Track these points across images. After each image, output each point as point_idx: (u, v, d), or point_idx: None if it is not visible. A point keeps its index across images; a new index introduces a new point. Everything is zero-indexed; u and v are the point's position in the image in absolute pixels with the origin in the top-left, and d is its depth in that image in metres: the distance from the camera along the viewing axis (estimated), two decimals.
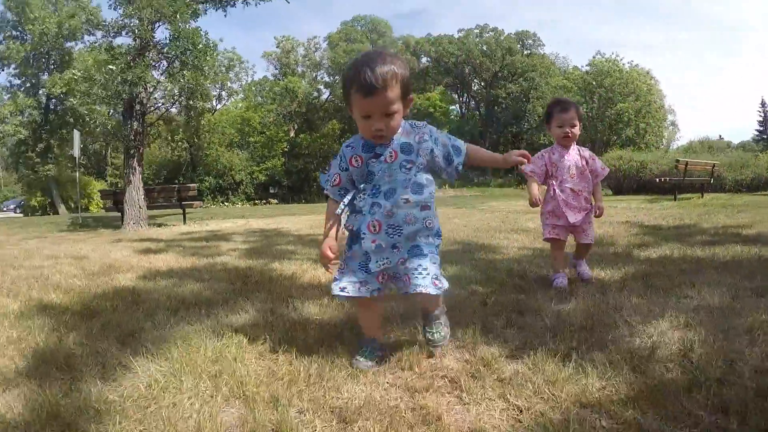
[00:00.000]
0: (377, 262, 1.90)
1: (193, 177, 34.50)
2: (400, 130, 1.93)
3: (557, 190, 3.17)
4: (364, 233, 1.91)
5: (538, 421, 1.39)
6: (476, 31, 51.53)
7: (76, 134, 14.60)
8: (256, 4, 12.21)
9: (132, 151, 10.62)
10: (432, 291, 1.86)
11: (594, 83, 43.80)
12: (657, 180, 13.80)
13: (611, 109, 42.52)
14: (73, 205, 30.27)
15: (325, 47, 48.37)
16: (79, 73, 11.91)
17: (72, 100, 25.08)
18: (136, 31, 10.57)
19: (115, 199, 11.57)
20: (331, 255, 1.92)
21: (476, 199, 24.58)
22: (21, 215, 32.19)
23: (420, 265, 1.88)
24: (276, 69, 48.28)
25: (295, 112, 43.73)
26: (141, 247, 6.29)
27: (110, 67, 10.09)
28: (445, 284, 1.93)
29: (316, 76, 49.22)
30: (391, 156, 1.91)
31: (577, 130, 3.20)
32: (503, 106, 50.37)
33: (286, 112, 43.15)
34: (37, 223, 15.99)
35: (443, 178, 2.08)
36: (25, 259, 5.54)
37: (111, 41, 11.09)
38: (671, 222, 6.65)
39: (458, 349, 2.03)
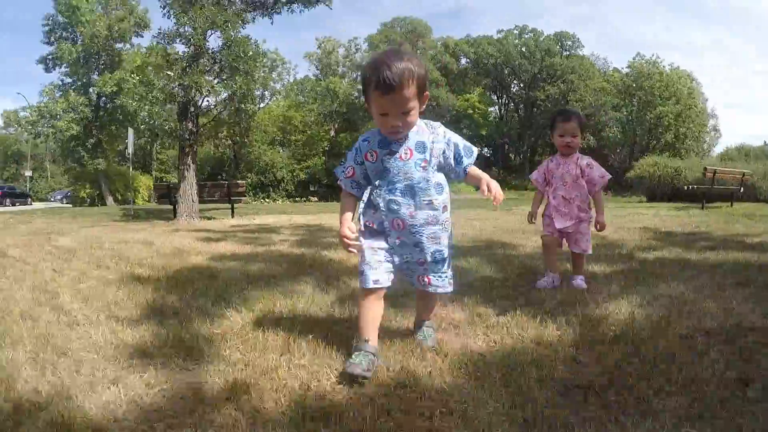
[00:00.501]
0: (402, 257, 2.05)
1: (235, 173, 35.78)
2: (415, 129, 1.99)
3: (550, 197, 3.38)
4: (388, 231, 2.03)
5: (506, 348, 2.10)
6: (515, 32, 51.48)
7: (131, 132, 15.68)
8: (300, 12, 13.10)
9: (186, 150, 11.61)
10: (447, 289, 2.12)
11: (633, 86, 43.37)
12: (685, 188, 13.97)
13: (651, 113, 42.12)
14: (120, 197, 31.82)
15: (365, 48, 49.17)
16: (137, 78, 12.88)
17: (123, 98, 26.60)
18: (191, 39, 11.50)
19: (169, 192, 12.58)
20: (351, 234, 1.96)
21: (512, 201, 24.86)
22: (69, 205, 34.06)
23: (440, 269, 2.07)
24: (317, 69, 49.36)
25: (336, 111, 44.67)
26: (200, 236, 7.12)
27: (168, 72, 11.04)
28: (452, 286, 2.15)
29: (356, 77, 50.07)
30: (406, 154, 1.98)
31: (577, 140, 3.33)
32: (542, 108, 50.18)
33: (327, 112, 44.11)
34: (90, 213, 17.32)
35: (452, 178, 2.12)
36: (99, 243, 6.34)
37: (166, 47, 12.05)
38: (685, 229, 6.93)
39: (464, 308, 2.70)
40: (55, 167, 63.58)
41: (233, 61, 11.41)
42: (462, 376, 1.80)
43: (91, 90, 29.65)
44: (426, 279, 2.07)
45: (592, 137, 46.04)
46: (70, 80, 29.85)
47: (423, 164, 1.97)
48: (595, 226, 3.27)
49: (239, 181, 13.17)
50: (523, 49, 50.17)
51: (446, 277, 2.09)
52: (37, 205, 42.28)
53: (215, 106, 12.59)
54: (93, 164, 30.00)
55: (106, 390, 1.73)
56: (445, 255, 2.06)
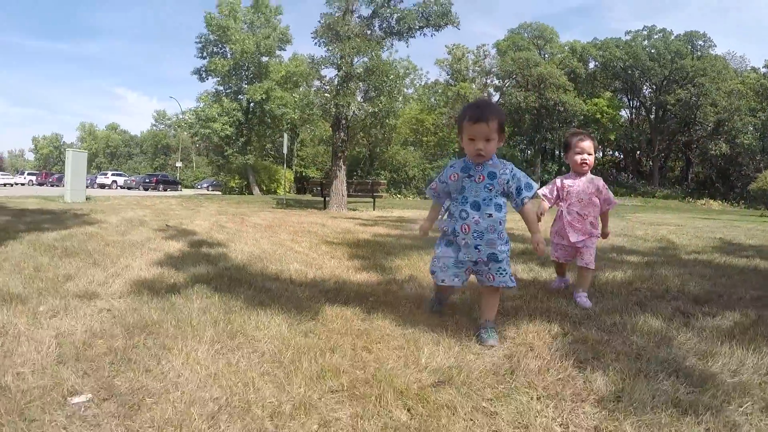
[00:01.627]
0: (465, 255, 2.54)
1: (370, 170, 38.84)
2: (491, 162, 2.54)
3: (564, 212, 3.46)
4: (457, 233, 2.55)
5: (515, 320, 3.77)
6: (644, 33, 49.74)
7: (285, 137, 18.74)
8: (431, 35, 15.32)
9: (339, 154, 14.37)
10: (510, 284, 2.53)
11: None
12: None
13: None
14: (264, 188, 36.15)
15: (493, 54, 50.35)
16: (298, 97, 15.81)
17: (270, 105, 31.06)
18: (342, 66, 14.12)
19: (321, 187, 15.46)
20: (425, 230, 2.81)
21: (632, 209, 24.79)
22: (216, 192, 39.28)
23: (501, 267, 2.51)
24: (447, 75, 51.44)
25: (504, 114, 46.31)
26: (356, 222, 9.56)
27: (326, 94, 13.78)
28: (514, 282, 2.57)
29: (485, 82, 51.55)
30: (479, 178, 2.53)
31: (592, 159, 3.45)
32: (672, 113, 48.21)
33: (458, 116, 45.91)
34: (247, 201, 20.68)
35: (513, 206, 2.58)
36: (285, 223, 8.72)
37: (319, 70, 14.89)
38: (755, 242, 7.68)
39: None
40: (199, 159, 71.15)
41: (378, 84, 13.93)
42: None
43: (240, 97, 33.89)
44: (491, 276, 2.53)
45: (724, 144, 43.71)
46: (221, 88, 34.22)
47: (490, 188, 2.53)
48: (602, 236, 3.56)
49: (380, 180, 15.80)
50: (652, 51, 48.15)
51: (507, 274, 2.54)
52: (185, 191, 47.73)
53: (363, 119, 15.12)
54: (243, 159, 34.35)
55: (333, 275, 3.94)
56: (500, 258, 2.51)
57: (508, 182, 2.51)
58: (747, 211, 22.48)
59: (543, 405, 1.76)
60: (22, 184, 50.03)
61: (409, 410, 1.70)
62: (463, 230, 2.52)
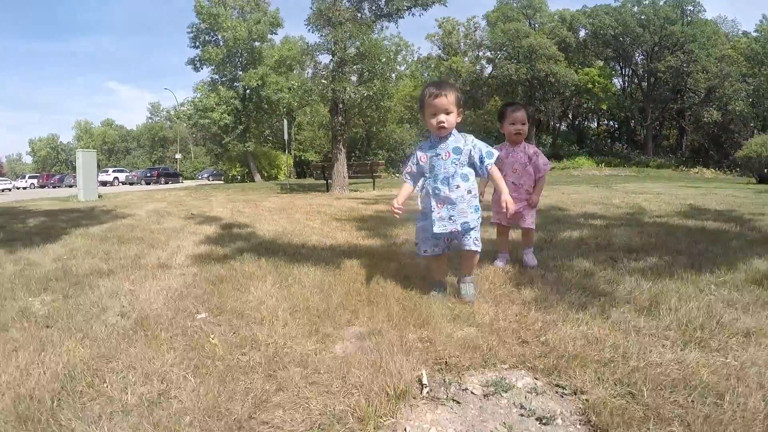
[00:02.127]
0: (440, 227, 2.82)
1: (368, 150, 39.75)
2: (453, 137, 2.84)
3: None
4: (432, 209, 2.83)
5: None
6: None
7: (286, 123, 19.59)
8: (420, 15, 16.10)
9: (338, 138, 15.32)
10: (473, 247, 2.86)
11: (761, 52, 40.36)
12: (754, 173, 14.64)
13: None
14: (266, 174, 37.04)
15: (484, 26, 50.76)
16: (296, 84, 16.70)
17: (266, 90, 31.89)
18: (336, 52, 14.97)
19: (323, 170, 16.43)
20: (396, 205, 2.86)
21: (623, 179, 24.53)
22: (218, 182, 40.17)
23: (469, 234, 2.85)
24: (439, 49, 51.97)
25: (460, 89, 47.08)
26: (358, 202, 10.54)
27: (323, 81, 14.67)
28: (480, 246, 2.89)
29: (477, 54, 52.12)
30: (446, 155, 2.82)
31: (526, 128, 3.68)
32: (662, 80, 48.13)
33: (419, 96, 46.63)
34: (252, 188, 21.61)
35: (478, 174, 2.88)
36: (295, 206, 9.73)
37: (314, 57, 15.78)
38: (722, 207, 7.93)
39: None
40: (197, 149, 72.12)
41: (371, 68, 14.80)
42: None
43: (236, 84, 34.33)
44: (463, 242, 2.88)
45: (715, 112, 43.70)
46: (217, 77, 34.69)
47: (456, 162, 2.82)
48: (529, 202, 3.75)
49: (379, 161, 16.80)
50: (642, 17, 47.67)
51: (474, 239, 2.87)
52: (187, 182, 48.58)
53: (359, 102, 15.96)
54: (244, 147, 35.11)
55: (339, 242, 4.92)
56: (471, 226, 2.84)
57: (470, 153, 2.84)
58: (739, 179, 22.87)
59: (489, 306, 2.77)
60: (24, 188, 50.22)
61: (402, 306, 2.75)
62: (439, 204, 2.84)
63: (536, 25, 49.09)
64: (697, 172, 37.30)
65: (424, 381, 1.90)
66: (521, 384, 1.92)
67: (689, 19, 47.68)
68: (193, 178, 62.02)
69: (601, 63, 51.80)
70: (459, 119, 2.82)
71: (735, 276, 3.24)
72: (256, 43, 33.94)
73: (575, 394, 1.83)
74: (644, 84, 51.94)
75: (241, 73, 34.11)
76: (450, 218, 2.81)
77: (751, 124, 43.34)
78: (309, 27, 15.35)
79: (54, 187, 49.32)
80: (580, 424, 1.68)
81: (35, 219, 8.19)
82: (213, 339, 2.30)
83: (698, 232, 5.31)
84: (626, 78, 55.98)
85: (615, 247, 4.42)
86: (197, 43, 33.89)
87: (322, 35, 15.17)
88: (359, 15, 15.36)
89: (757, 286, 3.00)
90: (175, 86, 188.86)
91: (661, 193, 12.07)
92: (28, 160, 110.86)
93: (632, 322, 2.47)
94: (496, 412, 1.77)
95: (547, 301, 2.82)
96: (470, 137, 2.89)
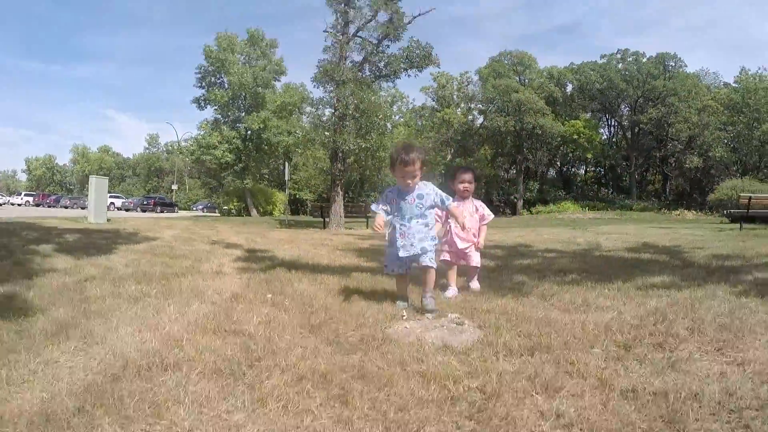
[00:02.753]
0: (404, 252, 3.62)
1: (361, 192, 41.53)
2: (418, 186, 3.65)
3: (452, 226, 4.41)
4: (397, 239, 3.65)
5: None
6: (618, 56, 52.63)
7: (287, 165, 21.35)
8: (415, 76, 17.99)
9: (337, 182, 16.97)
10: (429, 264, 3.62)
11: (740, 102, 42.55)
12: (725, 212, 16.53)
13: (758, 130, 41.10)
14: (262, 210, 38.52)
15: (476, 80, 53.45)
16: (301, 134, 18.47)
17: (266, 133, 33.67)
18: (338, 108, 16.74)
19: (321, 210, 18.05)
20: (379, 224, 3.64)
21: (604, 222, 25.91)
22: (212, 214, 41.65)
23: (426, 255, 3.63)
24: (433, 101, 54.53)
25: (452, 138, 50.14)
26: (354, 238, 12.02)
27: (326, 133, 16.42)
28: (434, 264, 3.67)
29: (470, 107, 54.75)
30: (411, 200, 3.64)
31: (472, 187, 4.53)
32: (645, 131, 51.22)
33: (443, 139, 49.68)
34: (251, 222, 23.19)
35: (442, 209, 3.93)
36: (299, 238, 11.23)
37: (318, 112, 17.61)
38: (670, 244, 8.94)
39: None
40: (192, 181, 73.86)
41: (368, 123, 16.59)
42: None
43: (239, 125, 35.74)
44: (420, 261, 3.66)
45: (696, 158, 46.19)
46: (220, 117, 36.03)
47: (420, 206, 3.65)
48: (475, 246, 4.59)
49: (372, 202, 18.52)
50: (626, 73, 50.83)
51: (429, 259, 3.65)
52: (182, 213, 49.52)
53: (357, 153, 17.66)
54: (242, 183, 36.74)
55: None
56: (428, 249, 3.65)
57: (433, 198, 3.68)
58: (714, 220, 23.97)
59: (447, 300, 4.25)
60: (20, 205, 50.91)
61: (390, 297, 4.16)
62: (403, 237, 3.66)
63: (526, 80, 51.64)
64: (679, 214, 38.58)
65: (404, 314, 3.47)
66: (452, 317, 3.42)
67: (671, 74, 50.36)
68: (188, 209, 63.29)
69: (587, 115, 54.50)
70: (422, 173, 3.67)
71: (621, 285, 4.62)
72: (260, 89, 35.44)
73: (477, 324, 3.31)
74: (629, 134, 54.65)
75: (243, 115, 35.55)
76: (411, 245, 3.64)
77: (733, 168, 45.36)
78: (315, 84, 17.17)
79: (49, 206, 50.26)
80: (474, 327, 3.20)
81: (72, 235, 8.99)
82: (287, 302, 3.83)
83: (631, 261, 6.28)
84: (612, 128, 58.92)
85: (552, 270, 5.75)
86: (203, 84, 35.25)
87: (326, 91, 17.00)
88: (360, 74, 17.18)
89: (628, 288, 4.43)
90: (173, 119, 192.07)
91: (628, 233, 12.84)
92: (22, 177, 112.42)
93: (534, 301, 4.00)
94: (438, 323, 3.29)
95: (487, 293, 4.32)
96: (430, 185, 3.76)
